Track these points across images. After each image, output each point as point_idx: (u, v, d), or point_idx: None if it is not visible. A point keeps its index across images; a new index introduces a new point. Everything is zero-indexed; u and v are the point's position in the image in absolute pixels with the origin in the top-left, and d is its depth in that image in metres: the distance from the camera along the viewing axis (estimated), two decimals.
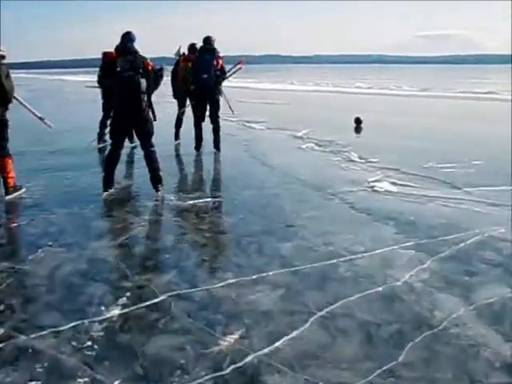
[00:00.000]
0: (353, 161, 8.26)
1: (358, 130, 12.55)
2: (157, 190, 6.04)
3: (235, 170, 7.69)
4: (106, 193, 5.99)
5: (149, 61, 5.82)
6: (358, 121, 12.92)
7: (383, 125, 13.39)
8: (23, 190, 6.12)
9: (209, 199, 6.04)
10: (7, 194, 5.88)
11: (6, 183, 5.88)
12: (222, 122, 8.91)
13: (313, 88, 32.81)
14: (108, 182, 6.02)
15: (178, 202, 5.91)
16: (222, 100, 8.77)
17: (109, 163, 6.05)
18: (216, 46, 8.45)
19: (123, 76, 5.64)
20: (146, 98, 5.76)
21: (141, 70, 5.67)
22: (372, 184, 6.62)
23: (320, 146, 9.69)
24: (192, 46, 9.20)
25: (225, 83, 8.78)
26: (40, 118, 6.43)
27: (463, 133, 12.06)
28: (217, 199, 6.08)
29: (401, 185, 6.60)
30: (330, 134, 11.20)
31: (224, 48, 9.14)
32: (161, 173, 6.09)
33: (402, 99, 23.33)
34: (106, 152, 6.60)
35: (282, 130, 12.13)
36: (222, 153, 8.89)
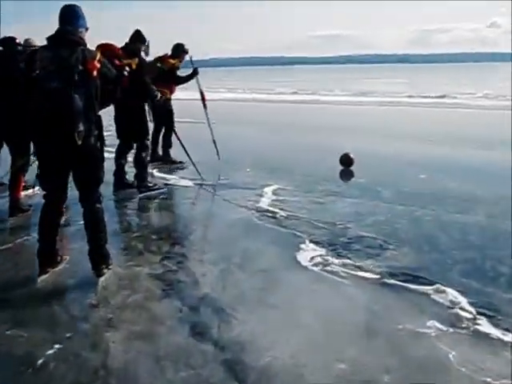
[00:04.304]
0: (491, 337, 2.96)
1: (347, 175, 7.45)
2: (98, 274, 3.84)
3: None
4: (41, 277, 3.80)
5: (96, 59, 3.60)
6: (347, 161, 7.76)
7: (374, 160, 8.35)
8: None
9: None
10: None
11: None
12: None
13: (229, 95, 27.37)
14: (45, 257, 3.87)
15: None
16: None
17: (44, 226, 3.86)
18: None
19: (44, 89, 3.50)
20: (89, 124, 3.62)
21: (77, 77, 3.47)
22: None
23: (331, 248, 4.39)
24: (177, 47, 7.76)
25: None
26: None
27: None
28: None
29: None
30: (314, 192, 6.37)
31: None
32: (107, 246, 3.87)
33: (351, 108, 18.73)
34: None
35: (224, 185, 6.72)
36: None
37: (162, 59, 7.65)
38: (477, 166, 7.99)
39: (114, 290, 3.71)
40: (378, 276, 3.79)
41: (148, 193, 6.41)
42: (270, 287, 3.69)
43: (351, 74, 69.21)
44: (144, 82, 6.13)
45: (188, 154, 7.25)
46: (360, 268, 3.96)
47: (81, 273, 3.97)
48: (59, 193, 3.89)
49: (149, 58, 7.39)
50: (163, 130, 8.10)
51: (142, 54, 6.25)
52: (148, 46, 6.85)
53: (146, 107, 6.45)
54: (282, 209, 5.61)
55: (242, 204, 5.87)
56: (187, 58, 7.90)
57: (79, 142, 3.60)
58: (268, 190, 6.46)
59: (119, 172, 6.51)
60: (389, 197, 6.13)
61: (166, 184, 6.95)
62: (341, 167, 7.73)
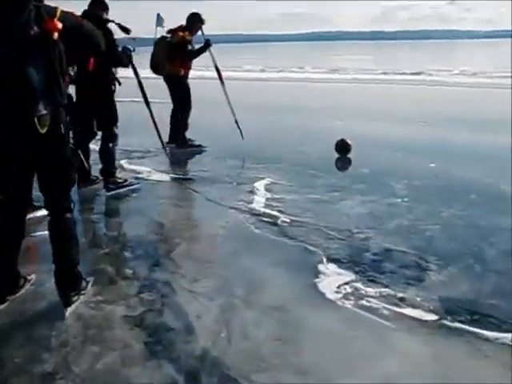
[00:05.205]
0: None
1: (343, 164, 6.54)
2: (66, 303, 2.97)
3: None
4: None
5: (57, 17, 2.66)
6: (344, 148, 6.82)
7: (371, 145, 7.43)
8: None
9: None
10: None
11: None
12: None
13: (193, 73, 25.90)
14: (3, 282, 3.05)
15: None
16: None
17: (2, 244, 2.99)
18: None
19: None
20: (54, 105, 2.73)
21: (31, 42, 2.60)
22: None
23: (358, 269, 3.47)
24: (192, 17, 6.87)
25: None
26: None
27: None
28: None
29: None
30: (314, 187, 5.40)
31: None
32: (79, 267, 3.04)
33: (326, 86, 17.80)
34: None
35: (206, 180, 5.71)
36: None
37: (172, 32, 6.81)
38: (483, 151, 7.16)
39: (77, 346, 2.67)
40: (432, 316, 2.86)
41: (117, 190, 5.34)
42: (291, 337, 2.71)
43: (317, 51, 68.18)
44: (114, 53, 5.00)
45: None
46: (404, 301, 3.02)
47: (45, 302, 3.07)
48: (20, 197, 3.02)
49: (161, 31, 6.89)
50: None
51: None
52: (160, 18, 6.57)
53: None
54: (281, 211, 4.64)
55: (231, 205, 4.86)
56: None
57: (42, 131, 2.70)
58: (259, 185, 5.49)
59: (83, 165, 5.39)
60: (403, 192, 5.23)
61: (137, 178, 5.86)
62: (335, 154, 6.77)
